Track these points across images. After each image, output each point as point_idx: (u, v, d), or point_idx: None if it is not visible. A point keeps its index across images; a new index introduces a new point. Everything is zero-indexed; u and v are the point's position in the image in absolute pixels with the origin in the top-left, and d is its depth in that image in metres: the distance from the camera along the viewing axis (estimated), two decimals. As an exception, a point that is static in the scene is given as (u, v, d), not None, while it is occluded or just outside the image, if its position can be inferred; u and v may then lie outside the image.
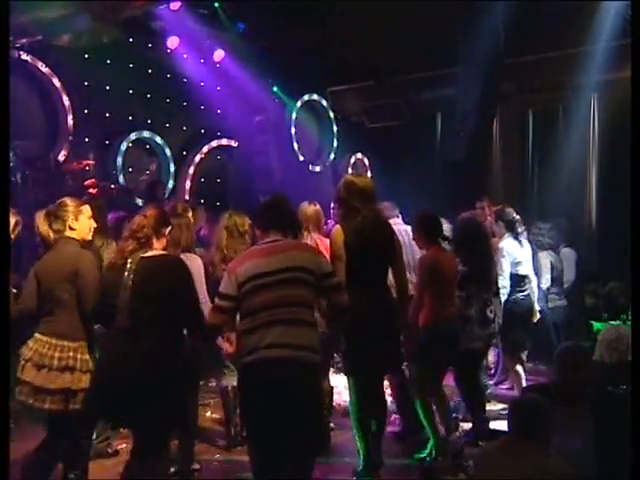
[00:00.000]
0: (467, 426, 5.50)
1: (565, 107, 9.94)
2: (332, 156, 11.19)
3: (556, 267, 6.96)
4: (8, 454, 3.02)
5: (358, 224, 4.47)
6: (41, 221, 4.13)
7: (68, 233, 4.12)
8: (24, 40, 7.53)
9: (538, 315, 6.41)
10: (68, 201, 4.20)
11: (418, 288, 5.01)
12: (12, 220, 4.23)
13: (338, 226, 4.55)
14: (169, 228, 4.11)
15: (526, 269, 6.29)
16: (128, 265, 3.74)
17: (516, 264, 6.19)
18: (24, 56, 7.64)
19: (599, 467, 3.45)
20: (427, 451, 5.05)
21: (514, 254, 6.20)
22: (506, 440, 3.25)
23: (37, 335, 4.04)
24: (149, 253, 3.83)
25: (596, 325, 5.20)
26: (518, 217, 6.38)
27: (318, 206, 5.75)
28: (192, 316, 3.81)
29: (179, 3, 8.55)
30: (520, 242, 6.30)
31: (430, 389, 5.07)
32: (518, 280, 6.19)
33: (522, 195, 10.16)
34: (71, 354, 4.00)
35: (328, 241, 4.73)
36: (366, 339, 4.39)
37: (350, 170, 11.37)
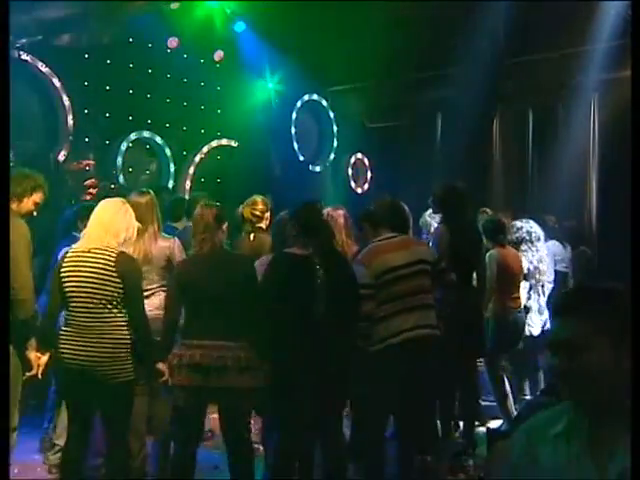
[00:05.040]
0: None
1: (565, 107, 9.93)
2: (332, 156, 11.19)
3: None
4: (8, 454, 3.01)
5: (458, 227, 5.11)
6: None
7: None
8: (24, 40, 7.53)
9: None
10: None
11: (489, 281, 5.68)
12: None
13: (444, 226, 5.18)
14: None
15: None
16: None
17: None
18: (24, 56, 7.63)
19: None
20: None
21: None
22: None
23: None
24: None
25: None
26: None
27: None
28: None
29: (179, 3, 8.56)
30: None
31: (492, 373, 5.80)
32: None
33: (522, 195, 10.15)
34: None
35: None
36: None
37: (350, 170, 11.38)
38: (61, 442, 4.61)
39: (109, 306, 3.84)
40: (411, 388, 4.24)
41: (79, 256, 3.92)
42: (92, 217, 4.04)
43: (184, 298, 4.00)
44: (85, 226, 5.13)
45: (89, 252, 3.89)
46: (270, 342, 3.89)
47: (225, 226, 4.08)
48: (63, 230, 5.53)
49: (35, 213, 4.47)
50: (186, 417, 4.00)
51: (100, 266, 3.82)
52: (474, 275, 5.38)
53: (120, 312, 3.88)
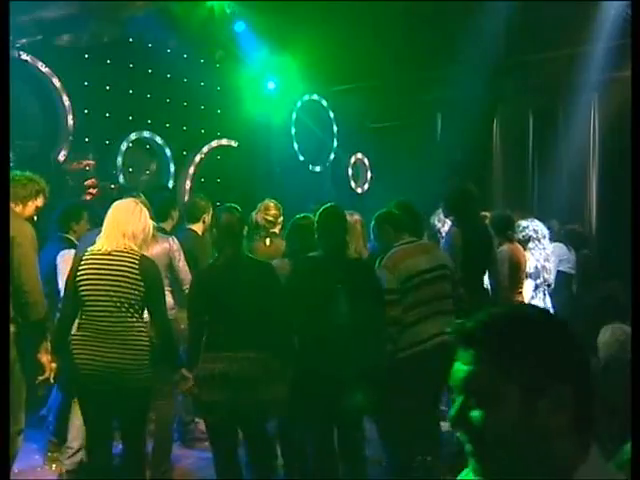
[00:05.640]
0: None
1: (565, 107, 9.93)
2: (332, 156, 11.19)
3: None
4: (8, 454, 3.00)
5: (470, 229, 5.15)
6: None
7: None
8: (24, 40, 7.52)
9: None
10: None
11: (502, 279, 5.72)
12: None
13: (457, 229, 5.20)
14: None
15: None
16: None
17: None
18: (24, 56, 7.63)
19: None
20: None
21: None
22: None
23: None
24: None
25: None
26: None
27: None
28: None
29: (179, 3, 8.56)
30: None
31: None
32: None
33: (522, 195, 10.16)
34: None
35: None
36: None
37: (350, 170, 11.37)
38: (74, 445, 4.57)
39: (132, 310, 3.74)
40: (433, 393, 4.31)
41: (99, 259, 3.78)
42: (107, 219, 3.89)
43: (210, 305, 3.90)
44: (80, 227, 5.14)
45: (109, 255, 3.76)
46: (297, 348, 3.88)
47: (245, 231, 4.05)
48: (51, 231, 5.39)
49: (35, 217, 4.45)
50: (222, 431, 3.96)
51: (124, 269, 3.72)
52: (485, 277, 5.45)
53: (141, 316, 3.80)
